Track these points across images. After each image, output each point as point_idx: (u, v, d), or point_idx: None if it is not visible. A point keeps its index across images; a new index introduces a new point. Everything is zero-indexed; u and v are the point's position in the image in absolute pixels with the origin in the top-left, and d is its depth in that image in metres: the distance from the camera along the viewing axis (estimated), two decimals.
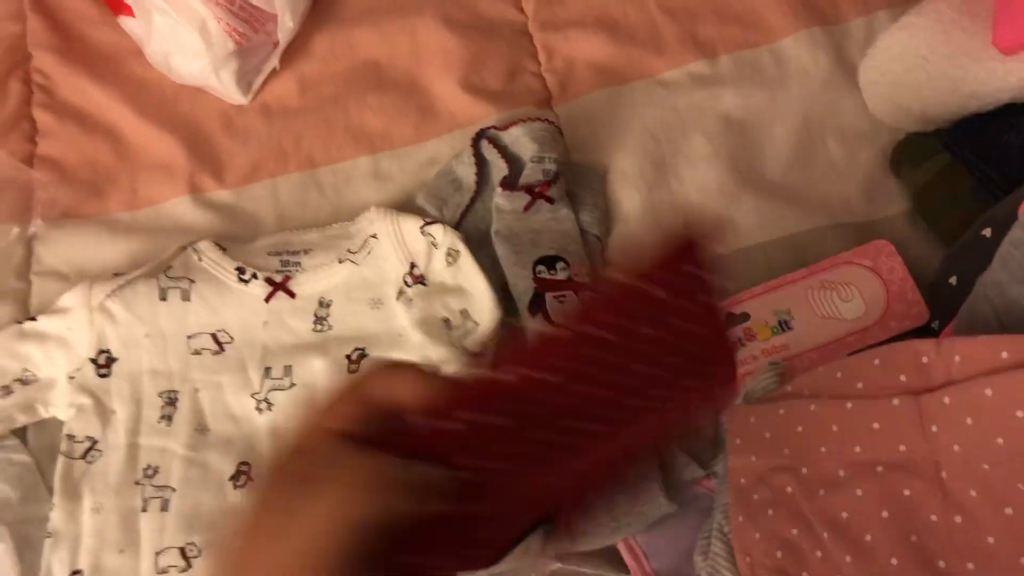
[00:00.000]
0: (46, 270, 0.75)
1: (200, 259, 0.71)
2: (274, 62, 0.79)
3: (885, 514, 0.50)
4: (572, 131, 0.75)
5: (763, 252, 0.69)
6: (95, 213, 0.77)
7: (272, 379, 0.68)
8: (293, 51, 0.80)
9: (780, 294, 0.67)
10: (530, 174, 0.69)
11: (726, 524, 0.58)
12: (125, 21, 0.80)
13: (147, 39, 0.77)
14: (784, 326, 0.66)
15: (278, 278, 0.70)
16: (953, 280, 0.62)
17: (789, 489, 0.55)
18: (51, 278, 0.74)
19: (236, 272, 0.70)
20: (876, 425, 0.51)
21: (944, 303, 0.62)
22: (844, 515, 0.51)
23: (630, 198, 0.73)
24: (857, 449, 0.52)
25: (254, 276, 0.70)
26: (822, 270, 0.67)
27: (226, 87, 0.78)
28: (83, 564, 0.63)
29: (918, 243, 0.68)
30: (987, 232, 0.61)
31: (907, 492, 0.49)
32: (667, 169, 0.74)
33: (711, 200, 0.71)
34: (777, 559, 0.54)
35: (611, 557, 0.62)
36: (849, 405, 0.52)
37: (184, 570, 0.63)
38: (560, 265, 0.67)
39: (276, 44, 0.79)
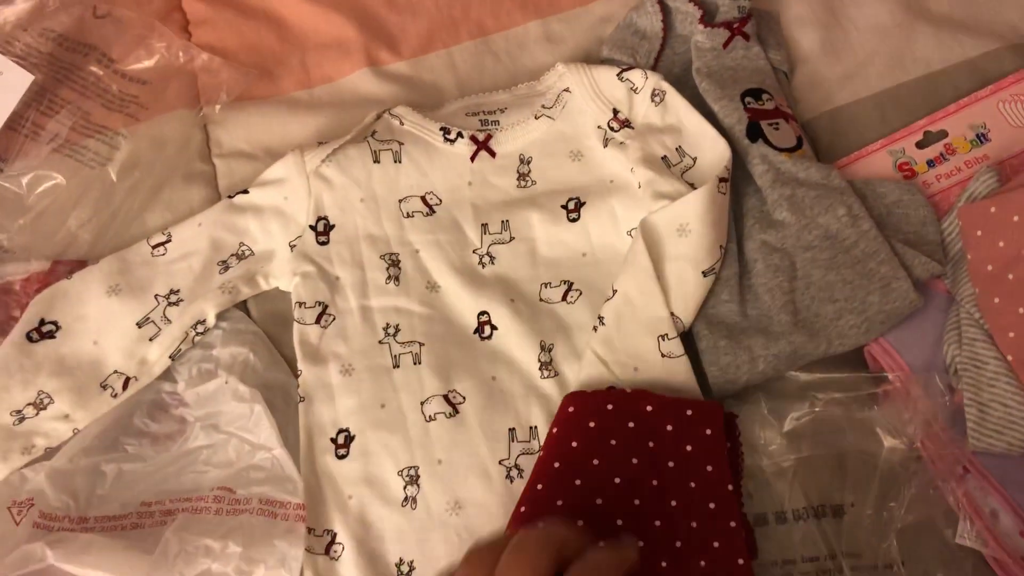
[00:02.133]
0: (228, 152, 0.74)
1: (402, 123, 0.71)
2: None
3: None
4: None
5: (948, 77, 0.73)
6: (270, 94, 0.76)
7: (491, 234, 0.69)
8: None
9: (973, 110, 0.70)
10: (726, 11, 0.71)
11: (975, 311, 0.61)
12: None
13: None
14: (982, 139, 0.69)
15: (481, 136, 0.71)
16: None
17: None
18: (237, 158, 0.74)
19: (441, 132, 0.70)
20: None
21: None
22: None
23: (807, 38, 0.75)
24: None
25: (459, 135, 0.70)
26: (1009, 84, 0.70)
27: None
28: (347, 423, 0.64)
29: None
30: None
31: None
32: (836, 9, 0.76)
33: (886, 32, 0.74)
34: None
35: (856, 363, 0.65)
36: None
37: (452, 415, 0.63)
38: (765, 96, 0.69)
39: None
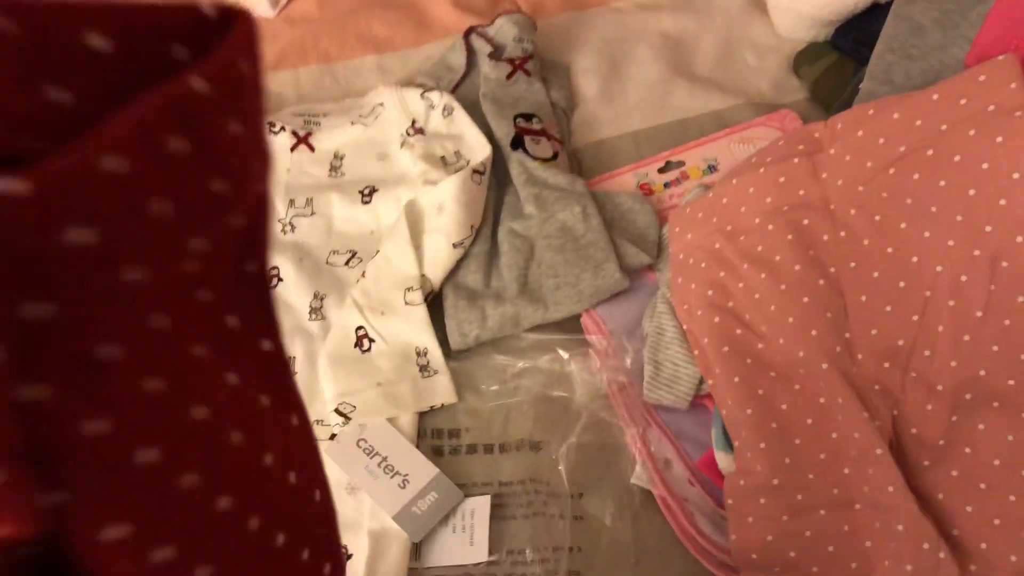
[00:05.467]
0: None
1: None
2: None
3: (789, 237, 0.66)
4: (544, 41, 0.93)
5: (696, 123, 0.87)
6: None
7: (295, 208, 0.82)
8: None
9: (708, 147, 0.84)
10: (512, 50, 0.86)
11: (668, 291, 0.73)
12: None
13: None
14: (712, 169, 0.83)
15: (301, 132, 0.85)
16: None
17: (717, 245, 0.70)
18: None
19: (268, 125, 0.85)
20: (782, 179, 0.68)
21: None
22: (759, 248, 0.67)
23: (589, 85, 0.91)
24: (768, 200, 0.68)
25: (282, 128, 0.85)
26: (740, 130, 0.85)
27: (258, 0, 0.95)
28: None
29: (814, 118, 0.86)
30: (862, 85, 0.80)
31: (805, 221, 0.66)
32: (618, 66, 0.92)
33: (653, 86, 0.90)
34: (709, 297, 0.69)
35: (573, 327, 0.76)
36: (761, 170, 0.69)
37: None
38: (535, 119, 0.83)
39: None
